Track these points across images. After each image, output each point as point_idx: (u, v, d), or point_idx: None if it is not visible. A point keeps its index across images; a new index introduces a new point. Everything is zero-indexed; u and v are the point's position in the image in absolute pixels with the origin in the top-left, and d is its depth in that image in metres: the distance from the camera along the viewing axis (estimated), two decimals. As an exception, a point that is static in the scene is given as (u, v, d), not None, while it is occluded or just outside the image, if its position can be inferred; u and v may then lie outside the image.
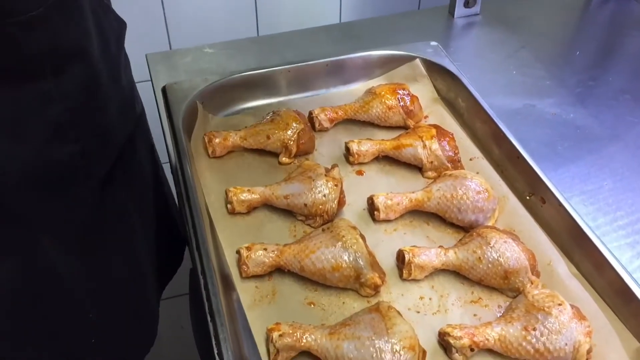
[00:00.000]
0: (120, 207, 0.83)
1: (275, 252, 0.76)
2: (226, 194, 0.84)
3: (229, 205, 0.83)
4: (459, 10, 1.27)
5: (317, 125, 0.97)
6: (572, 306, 0.69)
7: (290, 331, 0.68)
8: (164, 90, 0.97)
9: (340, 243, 0.74)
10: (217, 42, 1.20)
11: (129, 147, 0.83)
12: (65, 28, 0.64)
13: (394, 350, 0.65)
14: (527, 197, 0.85)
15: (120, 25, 0.83)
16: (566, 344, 0.65)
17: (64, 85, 0.67)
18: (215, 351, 0.64)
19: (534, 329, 0.66)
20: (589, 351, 0.67)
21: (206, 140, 0.91)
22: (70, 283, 0.77)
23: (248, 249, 0.76)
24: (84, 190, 0.74)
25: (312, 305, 0.75)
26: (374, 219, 0.83)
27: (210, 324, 0.66)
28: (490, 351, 0.69)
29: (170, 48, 1.40)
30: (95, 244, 0.79)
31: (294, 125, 0.91)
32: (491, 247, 0.74)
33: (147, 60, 1.14)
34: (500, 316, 0.71)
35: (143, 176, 0.90)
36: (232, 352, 0.65)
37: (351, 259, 0.74)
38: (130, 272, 0.87)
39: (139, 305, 0.91)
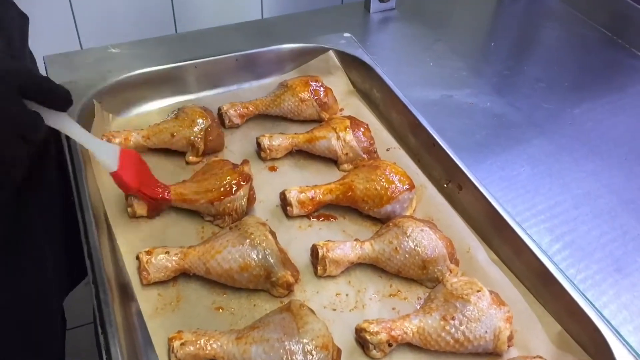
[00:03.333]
0: (28, 219, 0.75)
1: (179, 255, 0.70)
2: (125, 197, 0.77)
3: (129, 209, 0.77)
4: (375, 5, 1.25)
5: (227, 121, 0.92)
6: (491, 292, 0.66)
7: (194, 339, 0.62)
8: (57, 89, 0.89)
9: (248, 241, 0.69)
10: (123, 41, 1.13)
11: (39, 151, 0.76)
12: None
13: (306, 350, 0.60)
14: (445, 185, 0.83)
15: (22, 19, 0.76)
16: (486, 332, 0.62)
17: None
18: (106, 366, 0.58)
19: (453, 318, 0.63)
20: (510, 337, 0.64)
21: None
22: None
23: (148, 253, 0.70)
24: None
25: (221, 310, 0.69)
26: (288, 215, 0.79)
27: (102, 337, 0.59)
28: (410, 345, 0.65)
29: (82, 49, 1.32)
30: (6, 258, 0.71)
31: (200, 121, 0.85)
32: (407, 237, 0.71)
33: (44, 62, 1.05)
34: (419, 308, 0.67)
35: (52, 185, 0.82)
36: (129, 366, 0.59)
37: (260, 257, 0.69)
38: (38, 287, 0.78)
39: (44, 324, 0.82)
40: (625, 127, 1.01)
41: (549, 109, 1.05)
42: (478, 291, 0.65)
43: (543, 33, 1.27)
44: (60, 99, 0.63)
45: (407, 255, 0.70)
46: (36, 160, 0.76)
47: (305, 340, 0.60)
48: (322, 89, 0.93)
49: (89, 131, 0.86)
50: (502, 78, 1.12)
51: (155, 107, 0.95)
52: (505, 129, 0.99)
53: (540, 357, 0.61)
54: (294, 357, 0.59)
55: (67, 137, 0.83)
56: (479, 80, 1.10)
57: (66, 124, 0.66)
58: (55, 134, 0.84)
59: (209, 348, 0.61)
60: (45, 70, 1.04)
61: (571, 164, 0.93)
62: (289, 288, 0.70)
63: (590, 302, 0.67)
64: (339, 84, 0.99)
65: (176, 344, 0.61)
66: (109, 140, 0.84)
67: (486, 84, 1.09)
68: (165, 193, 0.76)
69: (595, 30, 1.26)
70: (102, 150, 0.70)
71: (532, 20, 1.31)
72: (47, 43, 1.24)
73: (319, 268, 0.71)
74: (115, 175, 0.71)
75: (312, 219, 0.80)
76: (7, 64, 0.58)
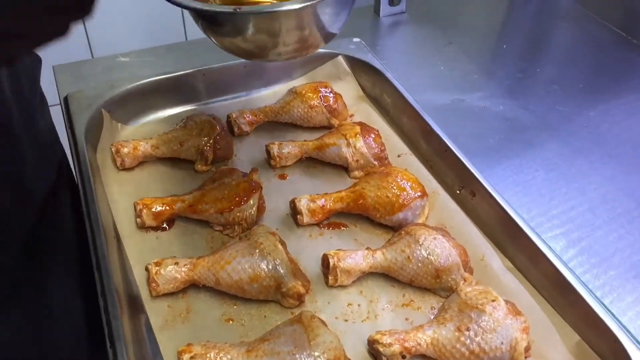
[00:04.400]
0: (39, 276, 0.72)
1: (188, 266, 0.69)
2: (135, 207, 0.77)
3: (138, 220, 0.76)
4: (385, 9, 1.23)
5: (236, 129, 0.91)
6: (507, 302, 0.64)
7: (203, 352, 0.61)
8: (65, 100, 0.89)
9: (257, 251, 0.68)
10: (132, 50, 1.13)
11: (52, 202, 0.74)
12: None
13: (318, 364, 0.59)
14: (457, 191, 0.81)
15: (33, 62, 0.75)
16: (502, 343, 0.61)
17: None
18: (115, 380, 0.57)
19: (468, 329, 0.61)
20: (527, 348, 0.62)
21: (113, 151, 0.84)
22: None
23: (157, 264, 0.69)
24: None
25: (231, 322, 0.68)
26: (298, 224, 0.78)
27: (110, 351, 0.59)
28: (425, 357, 0.64)
29: (93, 57, 1.32)
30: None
31: (209, 130, 0.85)
32: (420, 245, 0.69)
33: (53, 72, 1.05)
34: (433, 318, 0.66)
35: (66, 239, 0.79)
36: (139, 380, 0.58)
37: (270, 267, 0.68)
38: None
39: None
40: (641, 128, 0.99)
41: (563, 111, 1.03)
42: (493, 301, 0.63)
43: (556, 34, 1.25)
44: None
45: (419, 264, 0.69)
46: (50, 206, 0.74)
47: (316, 353, 0.59)
48: (331, 95, 0.92)
49: (98, 141, 0.86)
50: (514, 80, 1.10)
51: (164, 115, 0.95)
52: (518, 132, 0.98)
53: (559, 369, 0.60)
54: (305, 370, 0.58)
55: (73, 143, 0.83)
56: (491, 83, 1.09)
57: None
58: (70, 175, 0.83)
59: (219, 361, 0.60)
60: (55, 79, 1.04)
61: (587, 167, 0.91)
62: (300, 299, 0.69)
63: (609, 310, 0.66)
64: (348, 90, 0.98)
65: (186, 357, 0.60)
66: (117, 151, 0.84)
67: (498, 86, 1.08)
68: None
69: (609, 30, 1.23)
70: None
71: (544, 21, 1.29)
72: (58, 52, 1.25)
73: (330, 278, 0.70)
74: None
75: (322, 228, 0.78)
76: None
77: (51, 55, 1.09)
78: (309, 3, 0.59)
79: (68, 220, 0.79)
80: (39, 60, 0.76)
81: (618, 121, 1.00)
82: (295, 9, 0.59)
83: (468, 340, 0.61)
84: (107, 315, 0.62)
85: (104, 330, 0.61)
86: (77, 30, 1.36)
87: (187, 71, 0.95)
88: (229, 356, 0.61)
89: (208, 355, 0.60)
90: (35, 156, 0.70)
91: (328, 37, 0.68)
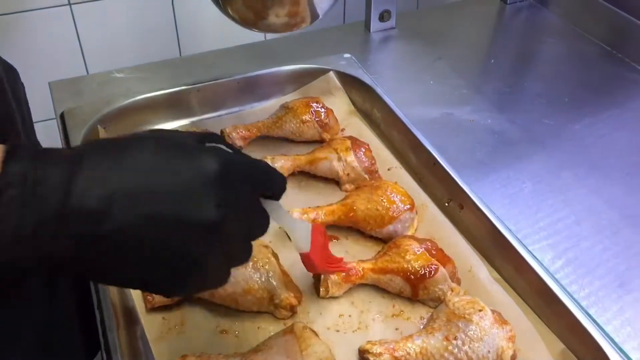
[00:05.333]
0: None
1: None
2: None
3: None
4: (375, 24, 1.26)
5: (229, 144, 0.92)
6: (494, 311, 0.66)
7: (198, 363, 0.62)
8: (62, 116, 0.91)
9: (250, 263, 0.70)
10: (127, 66, 1.15)
11: None
12: None
13: (310, 374, 0.60)
14: (446, 204, 0.83)
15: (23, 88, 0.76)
16: (489, 351, 0.62)
17: None
18: (111, 392, 0.58)
19: (455, 338, 0.63)
20: (513, 357, 0.64)
21: (109, 166, 0.85)
22: None
23: None
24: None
25: (225, 333, 0.69)
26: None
27: (106, 361, 0.60)
28: (413, 365, 0.65)
29: (88, 74, 1.34)
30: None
31: (203, 144, 0.86)
32: (402, 259, 0.71)
33: (49, 87, 1.07)
34: (422, 328, 0.68)
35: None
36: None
37: (263, 279, 0.69)
38: None
39: None
40: (626, 141, 1.01)
41: (550, 124, 1.05)
42: (480, 310, 0.65)
43: (543, 49, 1.28)
44: (281, 189, 0.55)
45: (407, 275, 0.70)
46: None
47: (309, 364, 0.61)
48: (323, 110, 0.94)
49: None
50: (502, 95, 1.12)
51: (158, 130, 0.96)
52: (506, 145, 1.00)
53: (544, 377, 0.61)
54: (297, 380, 0.60)
55: None
56: (479, 97, 1.11)
57: (270, 207, 0.54)
58: None
59: (213, 372, 0.62)
60: (51, 95, 1.06)
61: (572, 179, 0.93)
62: (292, 310, 0.70)
63: (593, 320, 0.67)
64: (340, 105, 1.00)
65: (181, 368, 0.62)
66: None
67: (486, 101, 1.10)
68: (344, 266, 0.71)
69: (595, 45, 1.26)
70: (297, 230, 0.62)
71: (531, 36, 1.32)
72: (54, 69, 1.27)
73: (321, 289, 0.72)
74: (304, 256, 0.63)
75: (314, 240, 0.80)
76: (244, 159, 0.50)
77: (47, 71, 1.12)
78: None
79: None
80: (12, 71, 0.76)
81: (602, 134, 1.02)
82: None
83: (456, 349, 0.62)
84: (103, 327, 0.63)
85: (100, 342, 0.63)
86: (72, 46, 1.39)
87: (181, 87, 0.97)
88: (223, 367, 0.62)
89: (202, 366, 0.62)
90: None
91: (314, 16, 0.75)
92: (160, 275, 0.43)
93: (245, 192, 0.47)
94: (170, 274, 0.43)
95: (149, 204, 0.40)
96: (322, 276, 0.71)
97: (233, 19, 0.80)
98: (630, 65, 1.19)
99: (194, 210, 0.41)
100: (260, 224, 0.50)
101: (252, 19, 0.77)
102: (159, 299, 0.70)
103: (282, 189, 0.54)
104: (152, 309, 0.70)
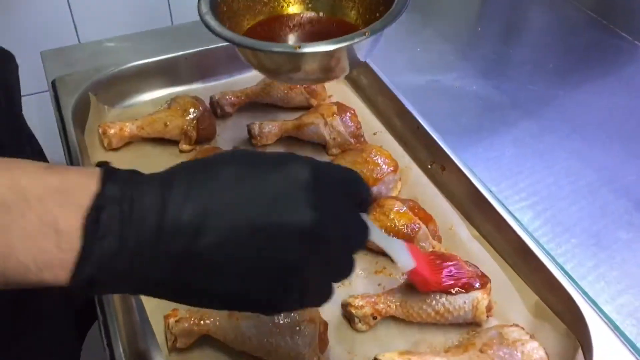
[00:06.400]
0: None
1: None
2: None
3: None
4: (364, -7, 1.26)
5: (218, 110, 0.95)
6: (471, 265, 0.69)
7: (188, 316, 0.65)
8: (53, 83, 0.92)
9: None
10: (117, 35, 1.16)
11: None
12: None
13: (294, 323, 0.63)
14: (429, 166, 0.86)
15: (15, 69, 0.76)
16: (465, 302, 0.65)
17: None
18: (105, 342, 0.61)
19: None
20: (489, 308, 0.67)
21: (101, 132, 0.87)
22: None
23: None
24: None
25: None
26: (277, 199, 0.82)
27: (100, 314, 0.63)
28: (395, 319, 0.68)
29: (80, 43, 1.35)
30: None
31: (192, 110, 0.88)
32: (387, 217, 0.74)
33: (41, 57, 1.08)
34: (402, 283, 0.70)
35: None
36: (128, 343, 0.63)
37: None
38: None
39: None
40: (608, 107, 1.03)
41: (534, 90, 1.07)
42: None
43: (530, 17, 1.30)
44: (369, 199, 0.50)
45: (390, 234, 0.73)
46: None
47: (293, 315, 0.63)
48: (310, 76, 0.96)
49: (85, 122, 0.90)
50: (488, 62, 1.14)
51: (149, 98, 0.98)
52: (490, 111, 1.02)
53: (517, 325, 0.64)
54: (282, 331, 0.63)
55: (62, 125, 0.86)
56: (466, 64, 1.13)
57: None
58: None
59: (202, 324, 0.64)
60: (43, 65, 1.07)
61: (554, 144, 0.96)
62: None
63: (566, 272, 0.70)
64: (327, 72, 1.02)
65: (172, 321, 0.64)
66: (104, 132, 0.87)
67: (472, 67, 1.12)
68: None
69: (581, 12, 1.28)
70: (395, 247, 0.58)
71: (519, 4, 1.33)
72: (45, 38, 1.27)
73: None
74: (413, 273, 0.61)
75: (301, 202, 0.82)
76: (333, 166, 0.48)
77: (38, 41, 1.12)
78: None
79: None
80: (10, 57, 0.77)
81: (585, 100, 1.05)
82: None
83: (434, 302, 0.65)
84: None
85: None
86: (63, 16, 1.38)
87: (171, 55, 0.98)
88: (211, 319, 0.65)
89: (192, 318, 0.64)
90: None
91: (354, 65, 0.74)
92: (258, 288, 0.42)
93: (339, 196, 0.45)
94: (269, 285, 0.41)
95: (243, 213, 0.40)
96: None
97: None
98: (615, 32, 1.21)
99: (288, 214, 0.40)
100: (359, 233, 0.47)
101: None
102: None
103: (371, 200, 0.51)
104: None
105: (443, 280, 0.65)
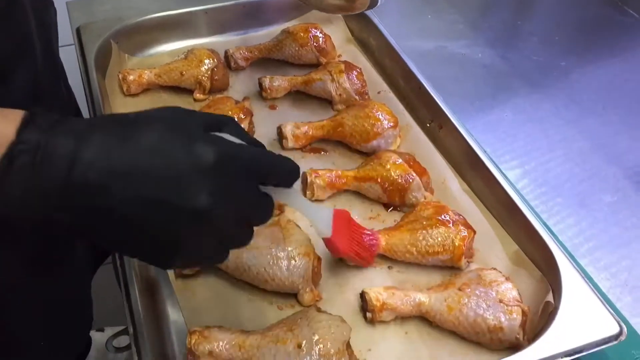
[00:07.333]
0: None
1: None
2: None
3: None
4: (379, -41, 1.30)
5: (232, 64, 0.99)
6: (458, 214, 0.74)
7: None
8: (78, 31, 0.98)
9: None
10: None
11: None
12: (7, 31, 0.63)
13: (290, 256, 0.69)
14: (428, 125, 0.90)
15: (54, 14, 0.81)
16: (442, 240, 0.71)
17: (11, 93, 0.64)
18: (118, 262, 0.67)
19: (417, 231, 0.72)
20: (470, 255, 0.72)
21: (120, 78, 0.93)
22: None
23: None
24: None
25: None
26: (283, 147, 0.87)
27: (118, 261, 0.68)
28: (382, 258, 0.74)
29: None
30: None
31: (207, 61, 0.93)
32: (384, 168, 0.79)
33: (67, 8, 1.13)
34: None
35: None
36: (139, 267, 0.69)
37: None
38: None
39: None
40: (607, 78, 1.07)
41: (538, 61, 1.11)
42: (445, 212, 0.73)
43: (541, -10, 1.32)
44: (291, 178, 0.53)
45: (385, 184, 0.78)
46: None
47: (290, 248, 0.69)
48: (321, 35, 1.00)
49: (107, 69, 0.95)
50: (496, 32, 1.18)
51: (167, 49, 1.03)
52: (493, 78, 1.06)
53: (494, 269, 0.69)
54: (279, 262, 0.68)
55: (85, 69, 0.91)
56: (474, 32, 1.16)
57: (283, 194, 0.55)
58: None
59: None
60: (69, 16, 1.12)
61: (552, 112, 1.00)
62: (281, 209, 0.78)
63: (546, 225, 0.75)
64: (338, 32, 1.06)
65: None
66: (124, 77, 0.93)
67: (480, 36, 1.16)
68: (372, 241, 0.72)
69: (593, -13, 1.30)
70: (317, 216, 0.64)
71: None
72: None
73: (307, 193, 0.80)
74: (327, 241, 0.66)
75: (305, 152, 0.88)
76: (245, 151, 0.49)
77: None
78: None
79: None
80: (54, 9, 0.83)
81: (586, 71, 1.08)
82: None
83: (417, 241, 0.71)
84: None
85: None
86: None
87: (191, 9, 1.03)
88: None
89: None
90: (49, 75, 0.78)
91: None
92: (147, 251, 0.47)
93: (241, 181, 0.47)
94: (156, 251, 0.46)
95: (147, 187, 0.43)
96: (309, 181, 0.79)
97: None
98: (623, 9, 1.23)
99: (180, 196, 0.43)
100: (260, 211, 0.51)
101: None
102: None
103: (292, 177, 0.53)
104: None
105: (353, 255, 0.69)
